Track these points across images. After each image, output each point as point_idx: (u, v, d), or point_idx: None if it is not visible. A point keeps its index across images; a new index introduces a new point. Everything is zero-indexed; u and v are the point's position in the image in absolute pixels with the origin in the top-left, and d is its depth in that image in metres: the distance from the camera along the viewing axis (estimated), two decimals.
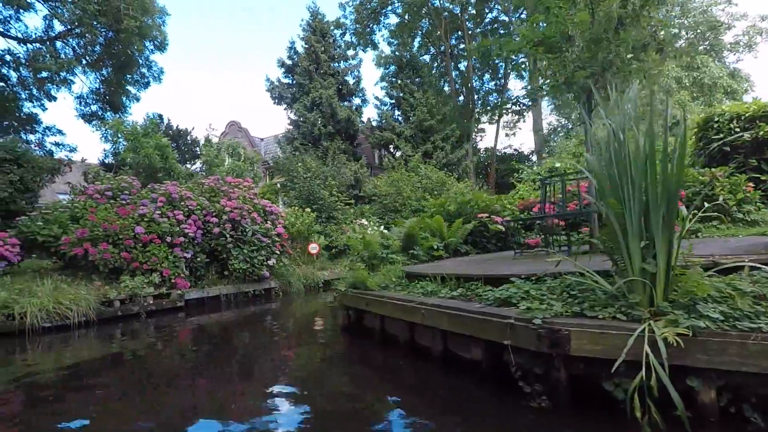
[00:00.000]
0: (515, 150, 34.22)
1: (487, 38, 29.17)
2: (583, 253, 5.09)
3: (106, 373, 4.88)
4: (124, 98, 20.89)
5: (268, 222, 10.58)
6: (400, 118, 25.27)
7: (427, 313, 3.70)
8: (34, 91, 21.16)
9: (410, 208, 16.74)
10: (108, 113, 21.89)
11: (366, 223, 14.98)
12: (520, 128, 33.18)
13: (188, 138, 28.08)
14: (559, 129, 32.52)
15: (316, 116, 21.84)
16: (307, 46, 23.36)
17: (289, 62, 23.87)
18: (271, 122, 78.83)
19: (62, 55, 20.22)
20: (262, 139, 31.21)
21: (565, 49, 5.41)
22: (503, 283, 3.65)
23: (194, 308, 9.03)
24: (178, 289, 8.84)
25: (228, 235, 9.59)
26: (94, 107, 21.17)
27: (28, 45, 18.84)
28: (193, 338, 6.81)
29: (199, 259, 9.44)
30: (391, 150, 25.04)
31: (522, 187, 13.30)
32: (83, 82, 20.79)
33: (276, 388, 3.81)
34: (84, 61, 19.68)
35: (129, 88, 21.02)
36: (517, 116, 31.50)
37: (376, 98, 26.10)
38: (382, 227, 15.62)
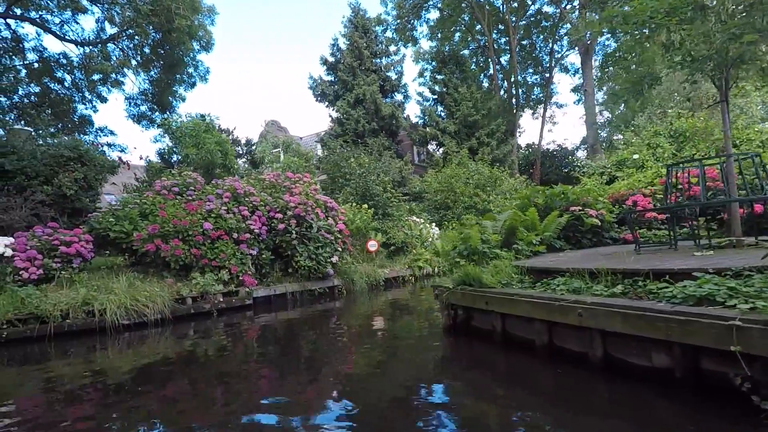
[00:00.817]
0: (558, 145, 33.07)
1: (584, 16, 28.22)
2: (732, 246, 4.47)
3: (179, 373, 4.68)
4: (171, 98, 21.20)
5: (330, 218, 10.26)
6: (442, 114, 24.68)
7: (587, 312, 3.19)
8: (86, 94, 21.76)
9: (463, 204, 16.19)
10: (156, 114, 22.29)
11: (418, 220, 14.52)
12: (556, 122, 31.92)
13: (230, 137, 28.39)
14: (605, 123, 31.08)
15: (360, 113, 21.53)
16: (349, 42, 23.10)
17: (331, 59, 23.68)
18: (308, 121, 78.95)
19: (112, 58, 20.66)
20: (301, 138, 31.22)
21: (700, 20, 4.77)
22: (680, 278, 3.11)
23: (261, 306, 8.79)
24: (245, 286, 8.61)
25: (293, 232, 9.30)
26: (143, 108, 21.57)
27: (85, 47, 19.28)
28: (267, 338, 6.50)
29: (264, 256, 9.20)
30: (434, 146, 24.50)
31: (589, 181, 12.53)
32: (134, 83, 21.13)
33: (379, 394, 3.40)
34: (135, 62, 20.02)
35: (176, 88, 21.31)
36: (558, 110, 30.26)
37: (419, 94, 25.67)
38: (434, 224, 15.14)
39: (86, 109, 22.21)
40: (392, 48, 24.68)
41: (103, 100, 21.74)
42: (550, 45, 28.77)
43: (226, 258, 8.41)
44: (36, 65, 20.49)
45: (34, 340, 6.35)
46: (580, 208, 7.01)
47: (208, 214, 8.61)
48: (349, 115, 21.60)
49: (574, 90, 32.29)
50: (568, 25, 27.30)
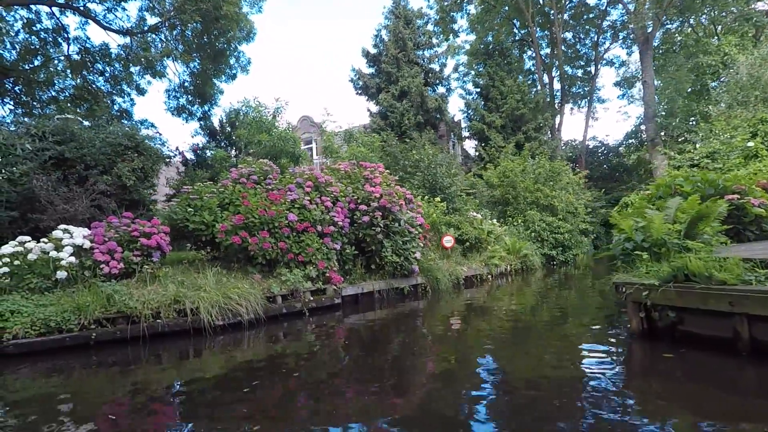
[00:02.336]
0: (599, 141, 31.82)
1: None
2: None
3: (276, 381, 4.15)
4: (212, 90, 20.59)
5: (409, 211, 9.43)
6: (487, 108, 23.68)
7: None
8: (125, 86, 21.30)
9: (526, 200, 15.23)
10: (195, 106, 21.71)
11: (477, 215, 13.61)
12: (597, 117, 30.62)
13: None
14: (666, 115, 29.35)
15: (406, 105, 20.67)
16: (392, 33, 22.24)
17: (374, 51, 22.85)
18: (343, 115, 77.25)
19: (153, 48, 20.15)
20: (336, 134, 30.45)
21: None
22: None
23: (348, 306, 8.01)
24: (332, 284, 7.83)
25: (379, 224, 8.49)
26: (182, 100, 20.99)
27: (127, 37, 18.79)
28: (370, 343, 5.69)
29: (347, 250, 8.39)
30: (476, 142, 23.56)
31: (678, 174, 11.47)
32: (175, 73, 20.44)
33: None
34: (178, 51, 19.40)
35: (217, 80, 20.70)
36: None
37: (462, 87, 24.66)
38: (494, 219, 14.22)
39: (124, 102, 21.74)
40: (435, 40, 23.75)
41: (142, 92, 21.27)
42: (595, 37, 27.58)
43: (313, 253, 7.63)
44: (77, 57, 20.07)
45: (125, 342, 5.63)
46: (738, 197, 6.05)
47: (292, 204, 7.84)
48: (394, 108, 20.72)
49: (617, 84, 31.04)
50: (617, 16, 26.14)
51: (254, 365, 4.82)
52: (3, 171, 8.39)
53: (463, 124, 24.34)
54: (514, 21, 27.21)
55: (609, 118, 69.11)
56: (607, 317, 6.18)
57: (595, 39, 27.74)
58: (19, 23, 18.11)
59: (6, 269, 5.95)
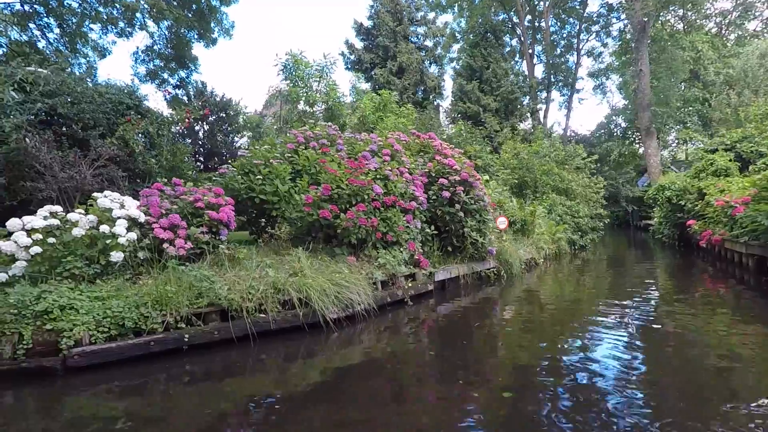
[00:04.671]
0: (573, 131, 32.47)
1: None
2: None
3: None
4: (189, 54, 18.15)
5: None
6: (482, 90, 23.10)
7: None
8: (80, 46, 18.32)
9: (548, 184, 14.78)
10: (166, 73, 19.09)
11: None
12: (571, 108, 31.18)
13: (231, 110, 25.40)
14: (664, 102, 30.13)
15: (405, 82, 19.54)
16: (390, 3, 20.86)
17: (368, 23, 21.38)
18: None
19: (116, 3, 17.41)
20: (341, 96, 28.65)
21: None
22: None
23: (437, 291, 6.97)
24: (420, 268, 6.73)
25: (462, 201, 7.46)
26: (153, 64, 18.34)
27: None
28: (490, 337, 4.74)
29: (427, 230, 7.31)
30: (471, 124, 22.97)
31: (719, 157, 11.44)
32: (150, 32, 17.71)
33: None
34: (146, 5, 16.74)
35: (194, 44, 18.26)
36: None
37: (454, 69, 23.89)
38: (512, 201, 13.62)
39: (79, 64, 18.76)
40: (430, 15, 22.73)
41: (104, 53, 18.37)
42: (578, 26, 27.87)
43: (402, 232, 6.48)
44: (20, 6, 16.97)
45: (226, 344, 4.24)
46: None
47: (375, 174, 6.61)
48: (393, 85, 19.53)
49: (592, 75, 31.74)
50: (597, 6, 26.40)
51: (403, 370, 3.71)
52: None
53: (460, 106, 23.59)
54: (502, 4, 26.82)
55: (582, 109, 71.44)
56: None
57: (577, 28, 28.04)
58: None
59: (37, 248, 4.30)
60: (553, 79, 28.36)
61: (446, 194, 7.39)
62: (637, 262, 11.61)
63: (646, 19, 19.33)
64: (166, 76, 18.75)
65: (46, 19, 17.64)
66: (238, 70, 67.18)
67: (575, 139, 31.23)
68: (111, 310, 3.98)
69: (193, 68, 18.41)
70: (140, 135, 8.92)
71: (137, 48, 18.39)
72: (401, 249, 6.45)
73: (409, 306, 5.94)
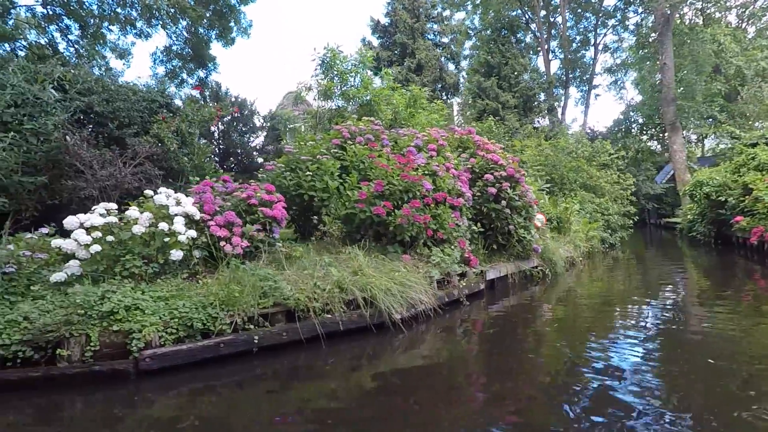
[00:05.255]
0: (590, 128, 32.06)
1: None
2: None
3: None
4: (208, 54, 18.08)
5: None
6: (501, 87, 22.82)
7: None
8: (99, 48, 18.27)
9: (576, 182, 14.50)
10: (183, 73, 18.99)
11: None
12: (588, 104, 30.79)
13: (247, 110, 25.33)
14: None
15: (424, 79, 19.33)
16: (406, 1, 20.67)
17: (385, 20, 21.20)
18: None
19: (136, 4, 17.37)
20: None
21: None
22: None
23: (486, 291, 6.75)
24: (471, 266, 6.52)
25: (507, 197, 7.24)
26: (172, 64, 18.26)
27: None
28: (554, 340, 4.50)
29: (473, 228, 7.10)
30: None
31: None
32: (170, 32, 17.62)
33: None
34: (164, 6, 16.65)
35: (212, 44, 18.17)
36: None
37: (469, 66, 23.61)
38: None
39: (99, 67, 18.72)
40: (446, 12, 22.50)
41: (123, 55, 18.33)
42: (595, 21, 27.47)
43: (452, 229, 6.27)
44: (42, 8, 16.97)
45: (295, 345, 4.06)
46: None
47: (424, 170, 6.41)
48: (412, 82, 19.31)
49: (609, 70, 31.31)
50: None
51: (473, 374, 3.50)
52: (26, 122, 6.24)
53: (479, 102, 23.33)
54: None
55: (598, 105, 69.53)
56: None
57: (594, 23, 27.65)
58: None
59: (97, 247, 4.14)
60: (570, 75, 28.04)
61: (492, 190, 7.18)
62: (675, 260, 11.32)
63: (669, 11, 18.97)
64: (185, 76, 18.70)
65: (66, 21, 17.66)
66: (249, 70, 67.02)
67: (591, 136, 30.89)
68: (178, 311, 3.81)
69: (212, 68, 18.29)
70: (173, 133, 8.79)
71: (156, 48, 18.38)
72: (452, 247, 6.24)
73: (464, 306, 5.74)
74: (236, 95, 24.54)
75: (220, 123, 20.52)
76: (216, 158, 20.04)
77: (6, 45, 16.93)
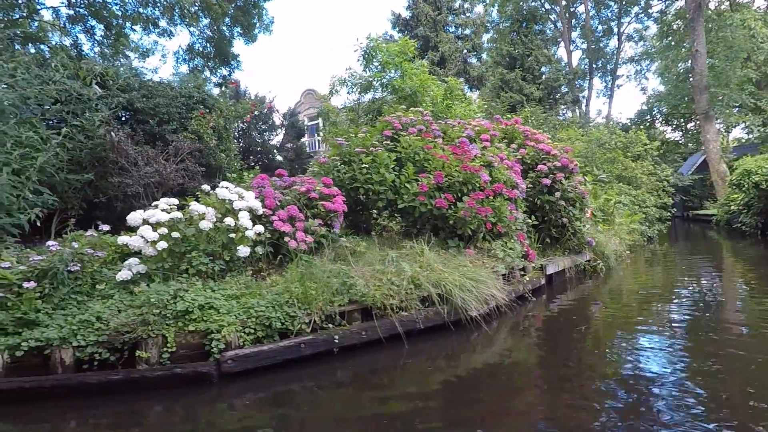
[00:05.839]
0: (614, 120, 31.38)
1: None
2: None
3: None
4: (230, 51, 17.98)
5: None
6: (522, 79, 22.38)
7: None
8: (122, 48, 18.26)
9: (611, 172, 14.10)
10: (207, 71, 18.92)
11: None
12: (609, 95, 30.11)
13: (267, 108, 25.23)
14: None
15: (449, 72, 19.02)
16: None
17: (407, 14, 20.89)
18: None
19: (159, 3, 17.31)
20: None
21: None
22: None
23: (545, 286, 6.48)
24: (530, 260, 6.25)
25: (562, 189, 6.95)
26: (195, 62, 18.18)
27: None
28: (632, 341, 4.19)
29: (528, 220, 6.82)
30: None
31: None
32: (193, 29, 17.51)
33: None
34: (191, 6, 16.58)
35: (234, 41, 18.07)
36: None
37: (492, 57, 23.16)
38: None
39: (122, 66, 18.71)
40: (467, 5, 22.09)
41: (146, 55, 18.35)
42: (617, 9, 26.80)
43: (512, 222, 6.01)
44: (68, 10, 16.94)
45: (374, 345, 3.85)
46: None
47: (481, 161, 6.14)
48: (436, 75, 18.96)
49: (632, 60, 30.57)
50: None
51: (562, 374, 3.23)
52: (71, 119, 6.11)
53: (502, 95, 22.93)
54: None
55: (620, 96, 67.21)
56: None
57: (618, 11, 26.95)
58: None
59: (164, 244, 3.97)
60: (593, 66, 27.39)
61: (546, 181, 6.89)
62: (718, 253, 10.88)
63: None
64: (207, 73, 18.60)
65: (90, 22, 17.65)
66: (266, 68, 66.65)
67: (625, 127, 30.26)
68: (254, 310, 3.62)
69: (236, 66, 18.18)
70: (211, 129, 8.64)
71: (179, 47, 18.29)
72: (512, 241, 5.98)
73: (530, 301, 5.48)
74: (255, 93, 24.54)
75: (241, 121, 20.46)
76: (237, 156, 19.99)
77: (31, 47, 16.99)
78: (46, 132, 5.58)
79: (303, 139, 28.36)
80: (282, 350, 3.47)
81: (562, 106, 21.66)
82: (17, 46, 12.47)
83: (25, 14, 15.60)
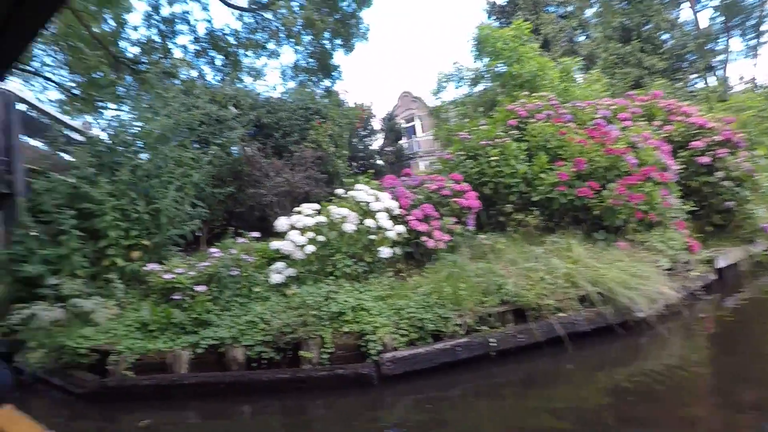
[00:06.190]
0: (759, 87, 26.70)
1: None
2: None
3: None
4: (331, 63, 18.84)
5: None
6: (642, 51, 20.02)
7: None
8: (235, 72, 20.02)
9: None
10: (311, 86, 20.05)
11: None
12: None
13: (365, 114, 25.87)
14: None
15: (555, 55, 17.70)
16: None
17: (502, 1, 20.01)
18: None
19: (268, 26, 18.60)
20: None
21: None
22: None
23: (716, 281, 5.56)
24: (693, 252, 5.40)
25: (726, 168, 5.93)
26: (301, 78, 19.39)
27: (250, 13, 17.36)
28: None
29: (684, 206, 5.92)
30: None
31: None
32: (297, 48, 18.63)
33: None
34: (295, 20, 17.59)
35: (335, 50, 18.88)
36: None
37: (600, 32, 21.10)
38: None
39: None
40: None
41: (258, 76, 19.96)
42: None
43: (666, 209, 5.24)
44: (195, 46, 18.93)
45: (534, 349, 3.55)
46: None
47: (623, 143, 5.48)
48: None
49: None
50: None
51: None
52: (213, 138, 6.74)
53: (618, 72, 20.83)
54: None
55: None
56: None
57: None
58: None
59: (312, 247, 4.10)
60: (728, 24, 23.48)
61: (705, 160, 5.93)
62: None
63: None
64: (312, 87, 19.64)
65: (211, 53, 19.64)
66: (363, 74, 68.41)
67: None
68: (405, 311, 3.56)
69: (337, 76, 18.93)
70: (329, 137, 9.00)
71: (283, 65, 19.57)
72: (670, 230, 5.22)
73: (701, 300, 4.72)
74: (353, 101, 25.33)
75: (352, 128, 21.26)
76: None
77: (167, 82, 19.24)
78: (196, 152, 6.21)
79: (401, 142, 28.60)
80: (438, 353, 3.35)
81: (692, 76, 18.93)
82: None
83: (162, 55, 17.91)
